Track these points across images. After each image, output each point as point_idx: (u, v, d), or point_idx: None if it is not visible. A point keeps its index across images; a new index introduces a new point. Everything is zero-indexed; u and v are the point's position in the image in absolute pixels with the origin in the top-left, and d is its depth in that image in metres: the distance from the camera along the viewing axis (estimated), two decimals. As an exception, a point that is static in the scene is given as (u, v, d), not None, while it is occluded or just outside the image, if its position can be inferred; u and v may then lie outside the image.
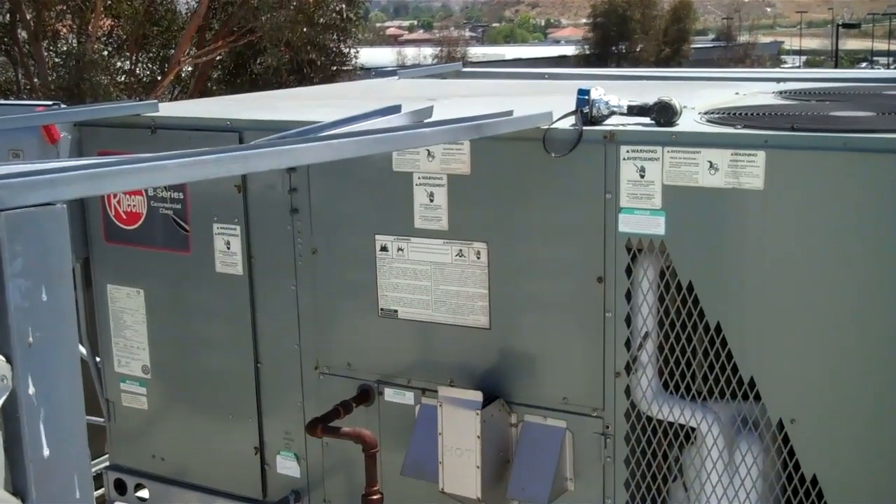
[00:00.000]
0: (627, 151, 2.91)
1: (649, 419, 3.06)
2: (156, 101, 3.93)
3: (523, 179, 3.07)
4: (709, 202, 2.82)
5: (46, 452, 1.52)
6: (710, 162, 2.80)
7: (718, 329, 2.89)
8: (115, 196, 3.80)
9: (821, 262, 2.73)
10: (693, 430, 3.05)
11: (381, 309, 3.39)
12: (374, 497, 3.21)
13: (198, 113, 3.93)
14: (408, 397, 3.40)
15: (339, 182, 3.39)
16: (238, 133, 3.47)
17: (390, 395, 3.43)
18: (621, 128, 2.95)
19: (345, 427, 3.26)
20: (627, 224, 2.94)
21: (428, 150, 3.19)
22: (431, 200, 3.22)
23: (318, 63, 20.14)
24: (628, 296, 2.99)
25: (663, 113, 2.94)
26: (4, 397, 1.48)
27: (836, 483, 2.81)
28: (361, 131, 2.61)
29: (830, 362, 2.77)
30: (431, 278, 3.27)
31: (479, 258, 3.18)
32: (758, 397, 2.88)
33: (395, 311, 3.36)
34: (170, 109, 3.99)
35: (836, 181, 2.68)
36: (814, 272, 2.74)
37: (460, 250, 3.21)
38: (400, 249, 3.31)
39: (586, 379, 3.09)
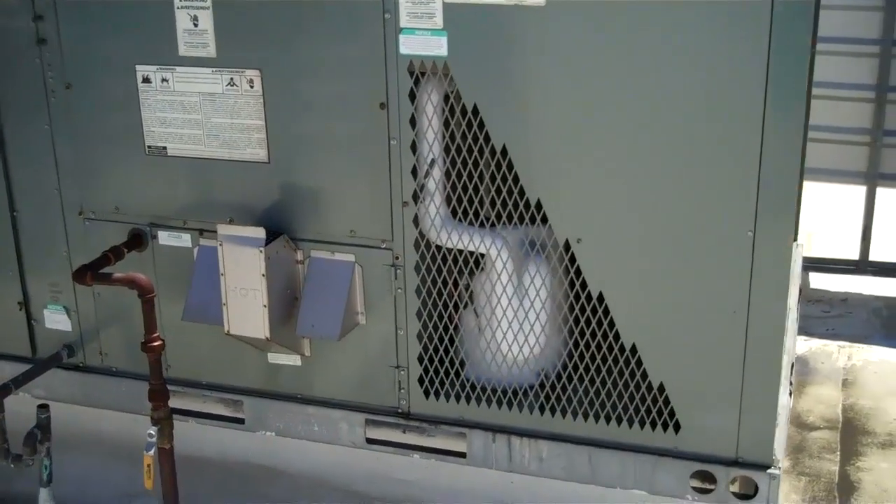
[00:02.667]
0: (406, -34, 2.72)
1: (438, 248, 3.00)
2: None
3: (297, 1, 2.83)
4: (491, 20, 2.69)
5: None
6: (493, -24, 2.66)
7: (504, 152, 2.81)
8: None
9: (601, 81, 2.67)
10: (482, 256, 3.02)
11: (148, 147, 3.12)
12: (155, 344, 3.02)
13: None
14: (184, 239, 3.19)
15: (92, 9, 3.04)
16: None
17: (164, 238, 3.21)
18: (399, -59, 2.75)
19: (117, 273, 3.03)
20: (408, 45, 2.78)
21: (188, -31, 2.89)
22: (196, 25, 2.94)
23: None
24: (413, 122, 2.86)
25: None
26: None
27: (620, 299, 2.85)
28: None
29: (612, 181, 2.75)
30: (201, 111, 3.03)
31: (252, 87, 2.96)
32: (545, 220, 2.86)
33: (164, 147, 3.11)
34: None
35: (619, -5, 2.60)
36: (595, 92, 2.68)
37: (231, 79, 2.97)
38: (164, 80, 3.03)
39: (374, 211, 2.97)
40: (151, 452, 3.05)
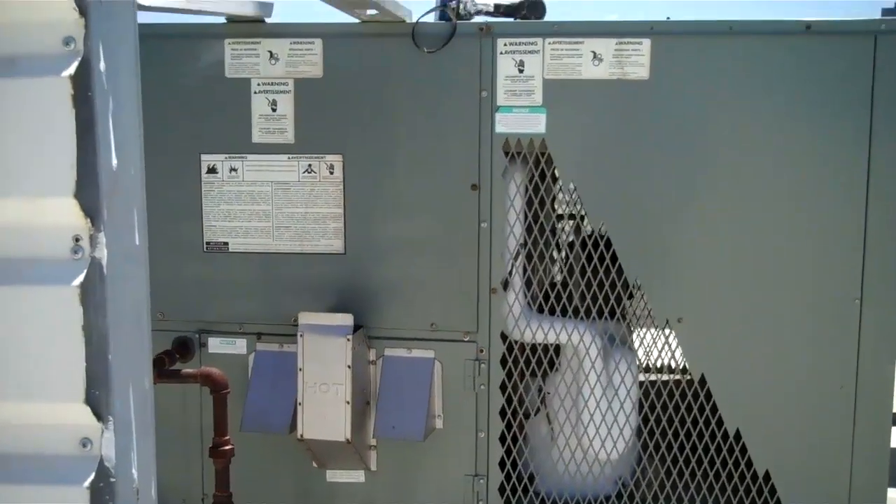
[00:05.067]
0: (505, 45, 2.74)
1: (524, 341, 2.85)
2: None
3: (387, 80, 2.79)
4: (592, 95, 2.72)
5: (115, 163, 1.06)
6: (593, 52, 2.71)
7: (602, 232, 2.77)
8: None
9: (706, 154, 2.70)
10: (558, 352, 2.89)
11: (207, 243, 2.92)
12: (226, 448, 2.70)
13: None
14: (238, 346, 2.94)
15: (154, 91, 2.90)
16: None
17: (216, 345, 2.95)
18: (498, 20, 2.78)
19: (187, 369, 2.74)
20: (505, 124, 2.76)
21: (270, 51, 2.83)
22: (274, 110, 2.85)
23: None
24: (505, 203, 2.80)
25: (534, 9, 2.83)
26: (77, 63, 1.01)
27: (724, 380, 2.76)
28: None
29: (715, 256, 2.73)
30: (272, 201, 2.88)
31: (332, 173, 2.85)
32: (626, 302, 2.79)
33: (226, 243, 2.91)
34: None
35: (721, 65, 2.67)
36: (699, 165, 2.70)
37: (309, 165, 2.85)
38: (233, 169, 2.89)
39: (457, 300, 2.83)
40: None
